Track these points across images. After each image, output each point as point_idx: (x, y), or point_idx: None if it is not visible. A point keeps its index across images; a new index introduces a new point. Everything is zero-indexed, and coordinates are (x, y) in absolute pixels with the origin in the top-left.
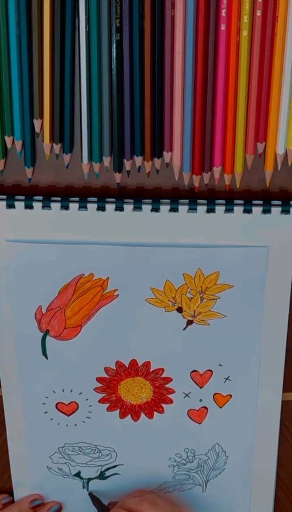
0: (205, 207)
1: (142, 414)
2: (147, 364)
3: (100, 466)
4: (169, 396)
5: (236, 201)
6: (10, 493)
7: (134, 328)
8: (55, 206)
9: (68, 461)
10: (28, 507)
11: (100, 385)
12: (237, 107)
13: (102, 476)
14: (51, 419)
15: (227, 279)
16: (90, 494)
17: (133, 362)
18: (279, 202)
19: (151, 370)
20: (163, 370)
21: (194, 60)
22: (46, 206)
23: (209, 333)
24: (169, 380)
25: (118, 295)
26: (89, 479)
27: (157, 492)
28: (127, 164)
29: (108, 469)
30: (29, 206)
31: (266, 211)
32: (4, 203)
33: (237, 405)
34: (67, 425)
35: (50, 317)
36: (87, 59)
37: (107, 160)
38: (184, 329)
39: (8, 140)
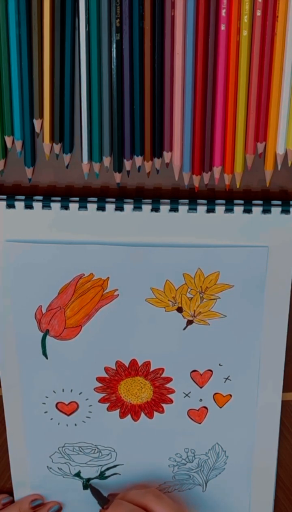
0: (205, 207)
1: (142, 414)
2: (147, 364)
3: (100, 466)
4: (169, 396)
5: (236, 201)
6: (10, 493)
7: (134, 328)
8: (55, 206)
9: (68, 461)
10: (28, 507)
11: (100, 385)
12: (237, 107)
13: (102, 476)
14: (51, 419)
15: (227, 279)
16: (90, 486)
17: (133, 362)
18: (279, 202)
19: (151, 370)
20: (163, 370)
21: (194, 60)
22: (46, 206)
23: (209, 333)
24: (169, 380)
25: (118, 295)
26: (89, 479)
27: None
28: (127, 164)
29: (108, 469)
30: (29, 206)
31: (266, 211)
32: (4, 203)
33: (237, 405)
34: (67, 425)
35: (50, 317)
36: (87, 59)
37: (107, 160)
38: (184, 329)
39: (8, 140)
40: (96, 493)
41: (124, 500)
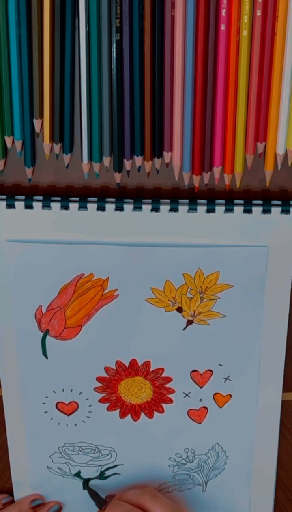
0: (205, 207)
1: (142, 414)
2: (147, 364)
3: (100, 466)
4: (169, 396)
5: (236, 201)
6: (10, 493)
7: (134, 328)
8: (55, 206)
9: (68, 461)
10: (28, 507)
11: (100, 384)
12: (237, 107)
13: (102, 476)
14: (51, 418)
15: (227, 279)
16: (88, 487)
17: (133, 362)
18: (279, 202)
19: (151, 370)
20: (163, 370)
21: (194, 60)
22: (46, 206)
23: (209, 333)
24: (169, 380)
25: (118, 295)
26: (89, 479)
27: None
28: (127, 164)
29: (108, 469)
30: (29, 206)
31: (266, 211)
32: (4, 203)
33: (237, 405)
34: (67, 425)
35: (50, 317)
36: (87, 59)
37: (107, 160)
38: (184, 329)
39: (8, 140)
40: (93, 494)
41: (121, 501)
